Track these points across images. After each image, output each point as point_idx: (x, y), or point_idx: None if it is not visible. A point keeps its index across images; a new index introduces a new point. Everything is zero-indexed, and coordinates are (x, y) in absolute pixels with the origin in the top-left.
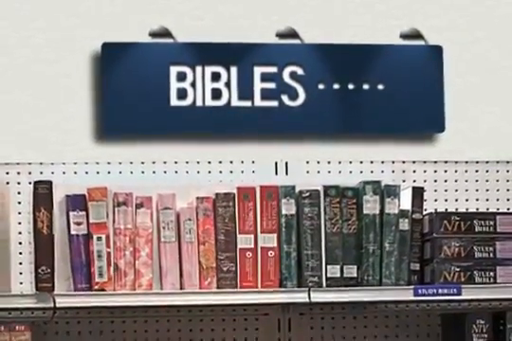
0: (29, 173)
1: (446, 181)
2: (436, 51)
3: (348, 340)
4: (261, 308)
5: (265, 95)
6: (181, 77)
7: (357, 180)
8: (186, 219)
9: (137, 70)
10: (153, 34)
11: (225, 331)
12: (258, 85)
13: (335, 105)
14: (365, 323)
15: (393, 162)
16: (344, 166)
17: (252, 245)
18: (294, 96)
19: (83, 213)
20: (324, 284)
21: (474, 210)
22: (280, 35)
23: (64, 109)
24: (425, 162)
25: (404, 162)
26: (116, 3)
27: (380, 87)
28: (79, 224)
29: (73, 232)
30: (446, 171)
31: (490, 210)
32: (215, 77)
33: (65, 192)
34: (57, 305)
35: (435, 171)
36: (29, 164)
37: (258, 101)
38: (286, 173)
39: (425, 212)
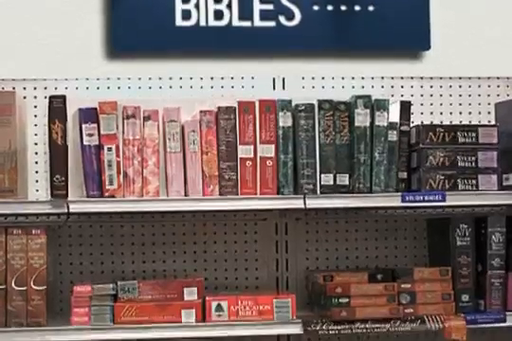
0: (45, 88)
1: (431, 95)
2: None
3: (341, 243)
4: (260, 213)
5: (264, 15)
6: None
7: (349, 94)
8: (190, 131)
9: None
10: None
11: (226, 234)
12: (257, 7)
13: (328, 25)
14: (356, 227)
15: (383, 78)
16: (337, 81)
17: (252, 155)
18: (290, 16)
19: (95, 125)
20: (319, 191)
21: (458, 123)
22: None
23: (76, 28)
24: (412, 78)
25: (393, 78)
26: None
27: (371, 8)
28: (90, 135)
29: (85, 143)
30: (431, 87)
31: (473, 123)
32: None
33: (78, 106)
34: (70, 211)
35: (421, 87)
36: (45, 80)
37: (257, 22)
38: (283, 88)
39: (412, 125)
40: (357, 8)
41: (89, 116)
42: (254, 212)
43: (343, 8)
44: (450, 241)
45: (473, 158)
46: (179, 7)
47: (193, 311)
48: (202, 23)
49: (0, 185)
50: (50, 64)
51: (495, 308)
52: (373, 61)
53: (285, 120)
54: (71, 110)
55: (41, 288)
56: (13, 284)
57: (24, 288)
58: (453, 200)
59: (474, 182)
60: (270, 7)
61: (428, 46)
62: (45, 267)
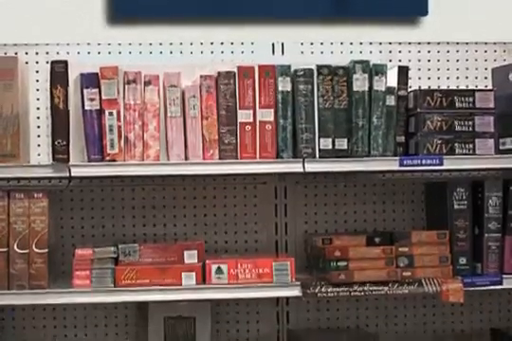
0: (47, 53)
1: (429, 61)
2: None
3: (339, 206)
4: (259, 177)
5: None
6: None
7: (348, 60)
8: (190, 96)
9: None
10: None
11: (226, 198)
12: None
13: None
14: (355, 191)
15: (381, 43)
16: (336, 47)
17: (251, 120)
18: None
19: (96, 90)
20: (317, 155)
21: (455, 88)
22: None
23: None
24: (410, 43)
25: (390, 43)
26: None
27: None
28: (92, 100)
29: (87, 108)
30: (429, 52)
31: (470, 87)
32: None
33: (80, 71)
34: (72, 174)
35: (419, 52)
36: (47, 45)
37: None
38: (283, 53)
39: (409, 89)
40: None
41: (90, 80)
42: (253, 176)
43: None
44: (448, 204)
45: (470, 123)
46: None
47: (194, 274)
48: None
49: (2, 149)
50: (52, 30)
51: (492, 271)
52: (371, 26)
53: (284, 85)
54: (73, 75)
55: (43, 251)
56: (16, 247)
57: (26, 251)
58: (450, 164)
59: (471, 146)
60: None
61: (425, 12)
62: (46, 231)
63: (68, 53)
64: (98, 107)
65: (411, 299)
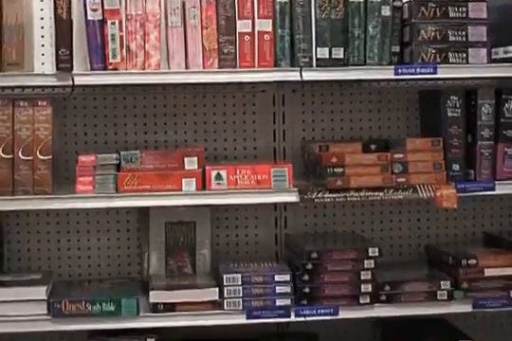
0: None
1: None
2: None
3: (336, 114)
4: (258, 86)
5: None
6: None
7: None
8: (191, 6)
9: None
10: None
11: (225, 106)
12: None
13: None
14: (351, 99)
15: None
16: None
17: (250, 30)
18: None
19: (99, 0)
20: (314, 64)
21: None
22: None
23: None
24: None
25: None
26: None
27: None
28: (94, 10)
29: (90, 18)
30: None
31: None
32: None
33: None
34: (75, 83)
35: None
36: None
37: None
38: None
39: (404, 0)
40: None
41: None
42: (252, 84)
43: None
44: (441, 112)
45: (463, 33)
46: None
47: (194, 180)
48: None
49: (7, 58)
50: None
51: (484, 177)
52: None
53: None
54: None
55: (46, 158)
56: (20, 154)
57: (30, 158)
58: (444, 72)
59: (464, 55)
60: None
61: None
62: (50, 138)
63: None
64: (100, 17)
65: (405, 205)
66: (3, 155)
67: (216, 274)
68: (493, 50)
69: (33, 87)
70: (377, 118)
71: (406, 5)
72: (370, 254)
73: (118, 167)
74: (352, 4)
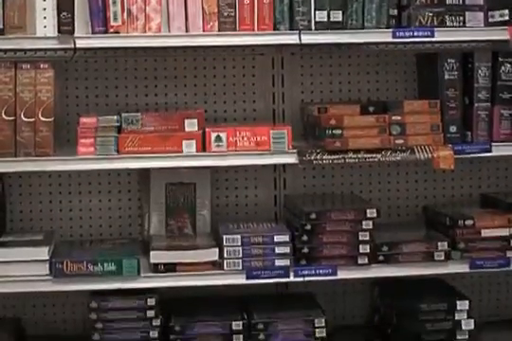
0: None
1: None
2: None
3: (334, 76)
4: (257, 48)
5: None
6: None
7: None
8: None
9: None
10: None
11: (225, 68)
12: None
13: None
14: (349, 62)
15: None
16: None
17: None
18: None
19: None
20: (313, 27)
21: None
22: None
23: None
24: None
25: None
26: None
27: None
28: None
29: None
30: None
31: None
32: None
33: None
34: (77, 46)
35: None
36: None
37: None
38: None
39: None
40: None
41: None
42: (252, 47)
43: None
44: (439, 75)
45: None
46: None
47: (194, 141)
48: None
49: (10, 21)
50: None
51: (481, 139)
52: None
53: None
54: None
55: (48, 120)
56: (22, 116)
57: (32, 119)
58: (441, 35)
59: (461, 19)
60: None
61: None
62: (52, 100)
63: None
64: None
65: (403, 166)
66: (5, 117)
67: (216, 234)
68: (490, 13)
69: (35, 50)
70: (375, 81)
71: None
72: (368, 215)
73: (119, 129)
74: None
